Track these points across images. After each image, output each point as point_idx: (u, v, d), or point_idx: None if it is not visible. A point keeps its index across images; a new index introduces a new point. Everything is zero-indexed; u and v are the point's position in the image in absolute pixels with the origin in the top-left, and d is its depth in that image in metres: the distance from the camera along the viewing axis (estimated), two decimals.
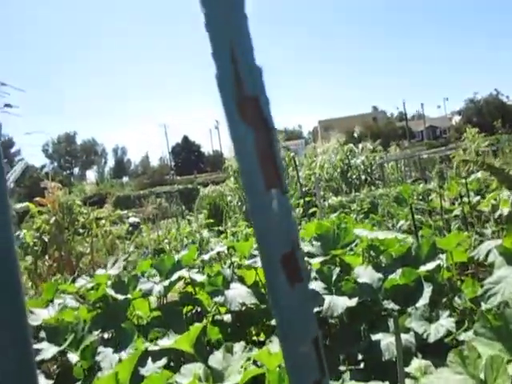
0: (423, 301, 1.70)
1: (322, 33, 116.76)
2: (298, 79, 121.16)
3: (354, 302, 1.75)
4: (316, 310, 1.75)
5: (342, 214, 3.96)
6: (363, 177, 10.03)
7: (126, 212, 11.41)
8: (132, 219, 14.56)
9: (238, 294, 1.96)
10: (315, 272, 1.94)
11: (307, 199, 3.98)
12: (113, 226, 9.59)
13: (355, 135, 14.12)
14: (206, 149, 74.02)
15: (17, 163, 54.65)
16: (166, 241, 8.39)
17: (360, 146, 11.26)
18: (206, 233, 4.10)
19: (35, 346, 2.02)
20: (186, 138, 67.43)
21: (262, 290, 2.12)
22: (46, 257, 7.64)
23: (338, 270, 1.91)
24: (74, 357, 2.01)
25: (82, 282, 2.32)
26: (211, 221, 6.72)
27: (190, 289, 2.27)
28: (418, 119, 68.91)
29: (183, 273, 2.08)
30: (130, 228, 10.10)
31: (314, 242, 2.06)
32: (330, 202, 6.75)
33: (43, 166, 68.54)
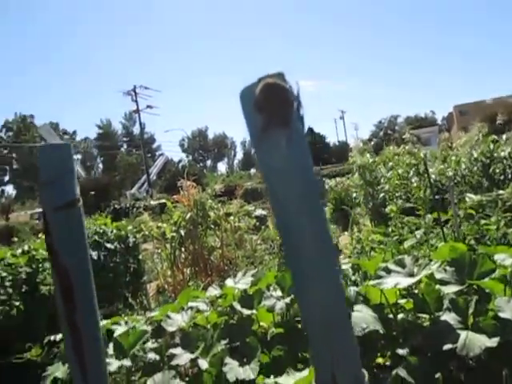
0: None
1: (451, 16, 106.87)
2: (432, 61, 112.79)
3: (494, 342, 1.56)
4: (449, 346, 1.61)
5: (481, 223, 3.56)
6: (509, 171, 8.92)
7: (253, 208, 11.86)
8: (259, 212, 15.07)
9: (363, 318, 1.88)
10: (448, 302, 1.78)
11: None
12: (241, 221, 10.05)
13: (498, 122, 12.60)
14: (332, 139, 73.38)
15: (158, 158, 60.55)
16: None
17: (504, 136, 10.00)
18: None
19: (171, 351, 2.20)
20: (310, 130, 67.52)
21: (389, 315, 2.02)
22: (183, 249, 8.34)
23: (474, 301, 1.72)
24: (203, 363, 2.15)
25: (212, 291, 2.48)
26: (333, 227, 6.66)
27: None
28: None
29: None
30: (257, 223, 10.47)
31: (448, 268, 1.89)
32: (468, 202, 6.16)
33: (180, 161, 74.78)
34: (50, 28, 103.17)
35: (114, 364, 2.24)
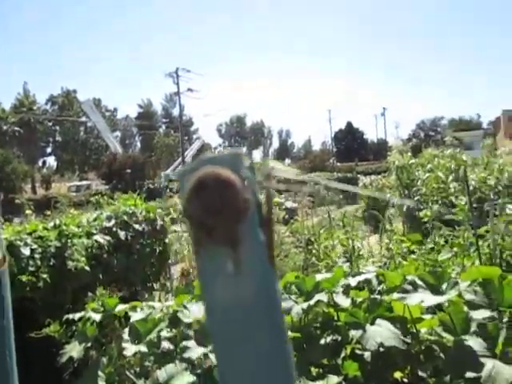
0: None
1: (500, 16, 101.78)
2: (479, 61, 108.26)
3: None
4: (473, 375, 1.51)
5: None
6: None
7: (283, 200, 11.80)
8: (289, 204, 14.98)
9: (379, 333, 1.80)
10: (477, 326, 1.67)
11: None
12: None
13: None
14: (370, 136, 71.93)
15: (195, 141, 61.17)
16: (321, 231, 8.40)
17: None
18: (358, 244, 3.89)
19: (184, 343, 2.18)
20: (349, 124, 66.44)
21: (411, 330, 1.93)
22: None
23: (505, 330, 1.61)
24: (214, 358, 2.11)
25: None
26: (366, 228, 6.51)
27: (332, 311, 2.18)
28: None
29: (322, 297, 2.01)
30: (286, 215, 10.40)
31: (478, 289, 1.77)
32: (509, 213, 5.88)
33: (217, 146, 75.40)
34: (98, 7, 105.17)
35: (130, 349, 2.24)
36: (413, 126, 72.83)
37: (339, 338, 2.01)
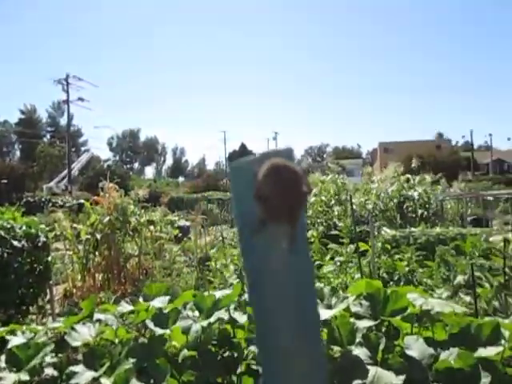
0: None
1: (387, 55, 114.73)
2: (362, 97, 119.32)
3: (400, 380, 1.61)
4: (359, 382, 1.63)
5: (395, 257, 3.76)
6: (420, 211, 9.59)
7: (176, 218, 11.62)
8: (182, 222, 14.77)
9: None
10: (361, 336, 1.82)
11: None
12: (163, 230, 9.76)
13: (413, 166, 13.53)
14: None
15: (83, 153, 57.77)
16: (212, 251, 8.39)
17: (417, 178, 10.72)
18: None
19: (71, 368, 2.03)
20: (243, 146, 68.28)
21: None
22: (97, 253, 7.90)
23: (384, 339, 1.78)
24: (107, 383, 2.00)
25: (125, 306, 2.34)
26: None
27: (229, 328, 2.21)
28: (485, 150, 65.76)
29: (222, 314, 2.02)
30: (180, 234, 10.26)
31: (363, 302, 1.94)
32: (384, 235, 6.50)
33: (107, 160, 71.87)
34: None
35: (8, 378, 2.02)
36: (302, 152, 77.37)
37: (235, 355, 2.04)
